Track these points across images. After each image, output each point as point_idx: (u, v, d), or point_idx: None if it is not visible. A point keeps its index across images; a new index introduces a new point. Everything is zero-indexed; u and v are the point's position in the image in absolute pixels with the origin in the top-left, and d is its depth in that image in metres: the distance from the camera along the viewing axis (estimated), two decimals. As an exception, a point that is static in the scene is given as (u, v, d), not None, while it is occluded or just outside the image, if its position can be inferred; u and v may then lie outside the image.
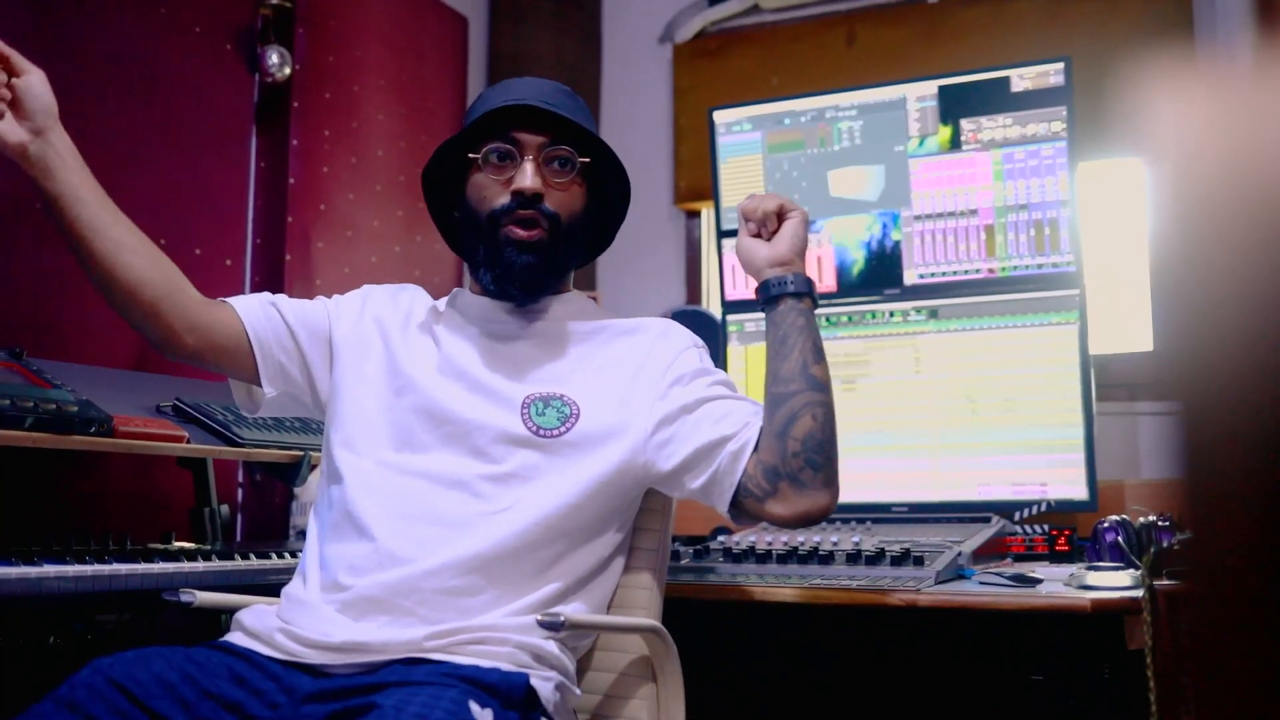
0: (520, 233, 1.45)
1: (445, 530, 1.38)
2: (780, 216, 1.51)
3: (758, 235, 1.53)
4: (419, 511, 1.39)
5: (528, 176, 1.44)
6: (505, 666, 1.31)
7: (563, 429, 1.42)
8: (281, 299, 1.57)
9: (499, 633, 1.33)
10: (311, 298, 1.62)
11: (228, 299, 1.53)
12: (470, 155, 1.49)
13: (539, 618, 1.32)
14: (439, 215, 1.61)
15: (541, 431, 1.42)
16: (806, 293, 1.46)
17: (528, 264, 1.46)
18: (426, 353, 1.51)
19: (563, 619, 1.31)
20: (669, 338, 1.52)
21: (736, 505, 1.42)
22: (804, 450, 1.37)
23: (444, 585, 1.35)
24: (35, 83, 1.36)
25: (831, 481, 1.39)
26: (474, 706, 1.20)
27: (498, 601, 1.37)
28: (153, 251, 1.44)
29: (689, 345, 1.52)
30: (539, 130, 1.46)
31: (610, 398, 1.46)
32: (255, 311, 1.51)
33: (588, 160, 1.49)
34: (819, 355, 1.43)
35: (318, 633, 1.33)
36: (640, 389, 1.46)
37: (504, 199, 1.45)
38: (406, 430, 1.45)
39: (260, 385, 1.51)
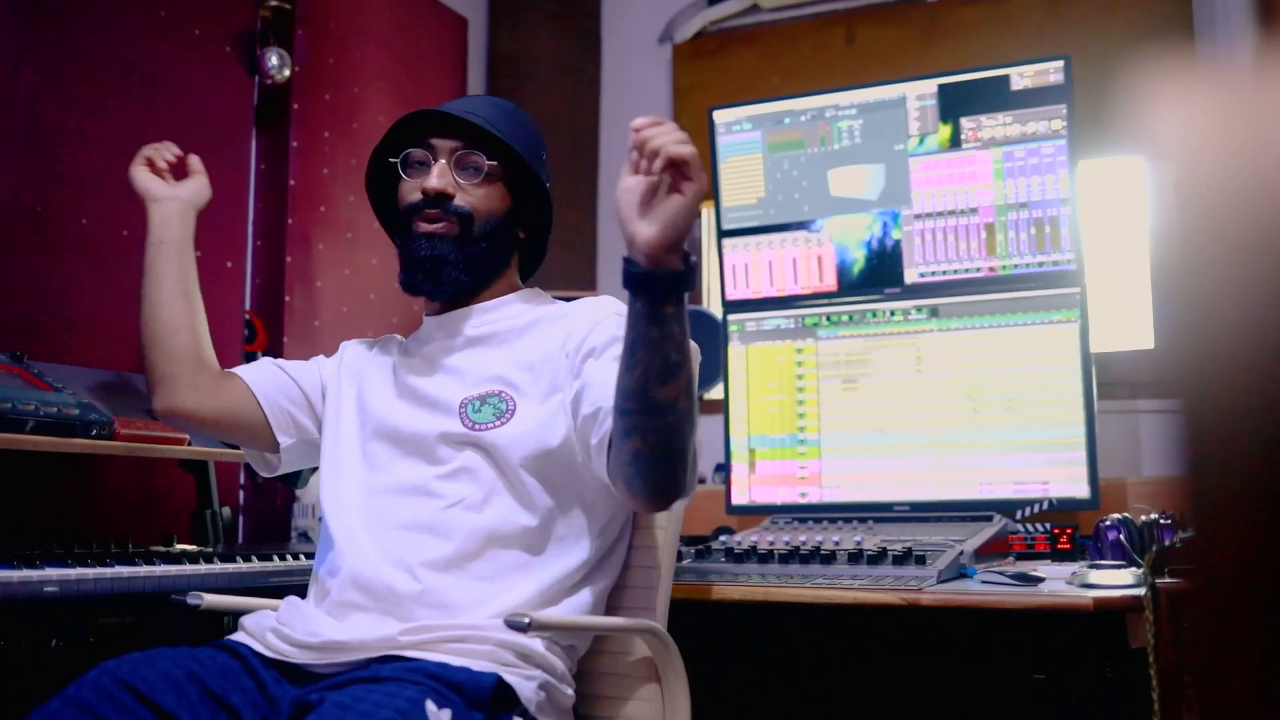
0: (425, 225, 1.53)
1: (410, 534, 1.42)
2: (675, 168, 1.19)
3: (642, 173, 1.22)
4: (385, 521, 1.45)
5: (434, 177, 1.53)
6: (476, 665, 1.31)
7: (497, 422, 1.45)
8: (279, 360, 1.70)
9: (479, 631, 1.34)
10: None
11: (233, 370, 1.67)
12: (391, 160, 1.59)
13: (506, 618, 1.29)
14: (388, 225, 1.69)
15: (477, 426, 1.45)
16: (670, 294, 1.21)
17: (432, 255, 1.53)
18: (389, 383, 1.59)
19: (528, 620, 1.27)
20: (590, 310, 1.52)
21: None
22: (632, 464, 1.31)
23: (418, 586, 1.38)
24: (200, 186, 1.75)
25: (661, 492, 1.32)
26: (430, 706, 1.20)
27: (479, 600, 1.38)
28: (199, 324, 1.66)
29: (609, 314, 1.50)
30: (453, 136, 1.55)
31: (542, 387, 1.47)
32: (256, 371, 1.65)
33: (495, 163, 1.54)
34: (667, 373, 1.23)
35: (304, 632, 1.37)
36: (563, 370, 1.47)
37: (416, 197, 1.54)
38: (372, 455, 1.52)
39: (274, 443, 1.62)
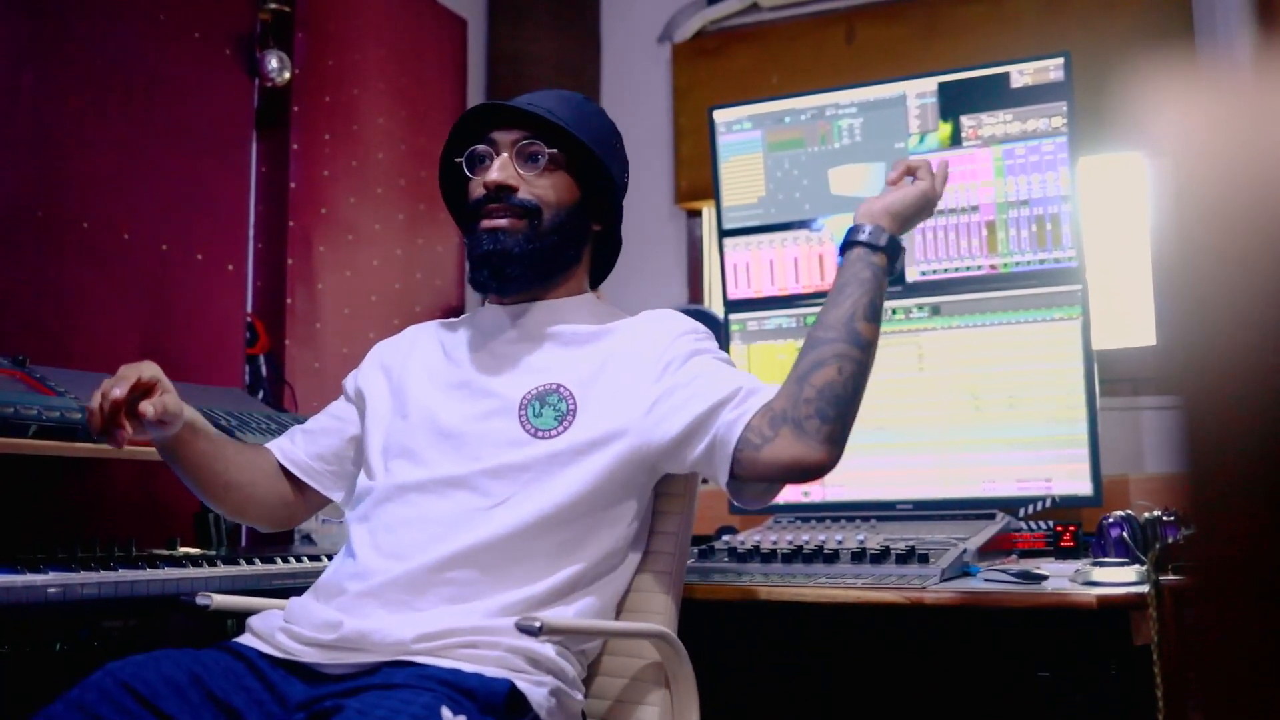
0: (488, 221, 1.51)
1: (441, 528, 1.40)
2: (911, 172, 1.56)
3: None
4: (417, 515, 1.42)
5: (495, 170, 1.51)
6: (489, 671, 1.30)
7: (559, 429, 1.43)
8: (315, 421, 1.68)
9: (490, 636, 1.33)
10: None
11: (269, 446, 1.65)
12: (455, 160, 1.57)
13: (517, 621, 1.29)
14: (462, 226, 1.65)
15: (539, 433, 1.44)
16: (882, 248, 1.45)
17: (495, 249, 1.50)
18: (431, 371, 1.56)
19: (539, 624, 1.27)
20: (665, 325, 1.51)
21: (736, 467, 1.39)
22: (817, 399, 1.36)
23: (439, 578, 1.36)
24: (170, 401, 1.47)
25: (834, 439, 1.37)
26: (446, 712, 1.19)
27: (495, 598, 1.37)
28: (255, 477, 1.61)
29: (685, 331, 1.50)
30: (514, 128, 1.52)
31: (609, 394, 1.45)
32: (289, 448, 1.64)
33: (556, 151, 1.51)
34: (872, 313, 1.42)
35: (313, 629, 1.35)
36: (637, 380, 1.45)
37: (480, 193, 1.52)
38: (413, 448, 1.49)
39: (333, 498, 1.65)
